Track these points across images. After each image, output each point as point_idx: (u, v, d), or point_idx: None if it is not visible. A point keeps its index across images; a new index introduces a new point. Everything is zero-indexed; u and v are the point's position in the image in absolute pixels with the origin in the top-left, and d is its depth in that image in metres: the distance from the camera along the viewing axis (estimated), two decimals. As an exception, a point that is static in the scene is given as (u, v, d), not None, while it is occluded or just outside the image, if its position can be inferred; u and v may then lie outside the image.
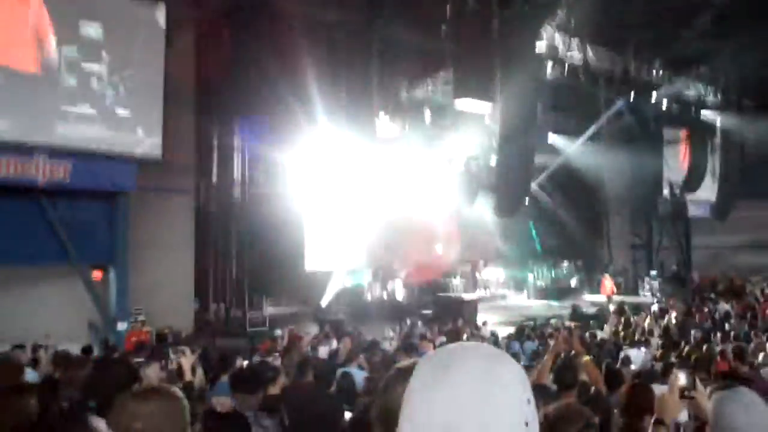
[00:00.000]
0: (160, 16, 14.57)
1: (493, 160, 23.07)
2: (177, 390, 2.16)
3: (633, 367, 8.32)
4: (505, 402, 0.97)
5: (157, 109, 14.37)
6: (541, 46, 18.19)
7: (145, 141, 14.23)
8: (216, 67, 17.97)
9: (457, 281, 24.42)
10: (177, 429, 1.98)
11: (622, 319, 14.15)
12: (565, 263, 26.98)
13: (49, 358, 7.74)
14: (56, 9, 13.13)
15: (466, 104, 17.26)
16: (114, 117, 13.87)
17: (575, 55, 19.13)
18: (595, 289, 24.56)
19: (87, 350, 9.29)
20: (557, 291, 25.06)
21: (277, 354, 9.20)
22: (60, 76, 13.19)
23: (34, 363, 7.82)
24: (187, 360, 3.78)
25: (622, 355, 8.90)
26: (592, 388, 4.57)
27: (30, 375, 5.74)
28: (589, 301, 22.55)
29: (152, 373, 4.57)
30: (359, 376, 6.62)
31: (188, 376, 4.31)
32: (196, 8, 16.10)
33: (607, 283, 23.59)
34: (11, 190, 12.74)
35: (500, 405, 0.97)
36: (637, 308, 17.49)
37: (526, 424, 0.98)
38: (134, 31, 14.20)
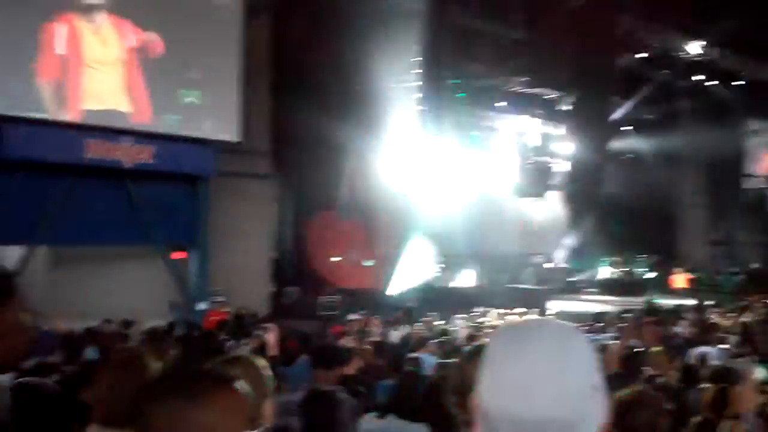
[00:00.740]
0: (239, 2, 14.98)
1: (566, 150, 22.80)
2: (261, 360, 2.31)
3: (711, 363, 8.14)
4: (575, 367, 1.09)
5: (235, 95, 14.80)
6: (618, 34, 17.80)
7: (224, 126, 14.71)
8: (293, 51, 18.28)
9: (527, 272, 24.20)
10: (260, 396, 2.11)
11: (699, 316, 13.78)
12: (640, 257, 26.35)
13: (138, 334, 8.19)
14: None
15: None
16: (194, 102, 14.40)
17: (655, 43, 18.61)
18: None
19: (171, 328, 9.75)
20: (631, 285, 24.50)
21: (349, 338, 9.42)
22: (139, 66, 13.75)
23: (125, 338, 8.27)
24: (272, 336, 3.97)
25: (698, 352, 8.71)
26: (661, 379, 4.56)
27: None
28: (664, 296, 22.00)
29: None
30: (429, 361, 6.74)
31: (273, 351, 4.52)
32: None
33: (679, 277, 22.88)
34: (99, 172, 13.30)
35: (570, 369, 1.08)
36: (716, 305, 16.95)
37: (593, 387, 1.10)
38: (211, 17, 14.64)
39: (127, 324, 9.46)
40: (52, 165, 12.55)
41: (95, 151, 12.93)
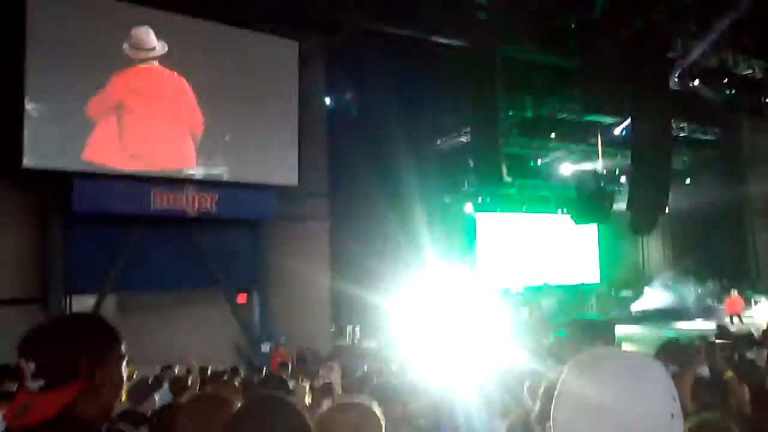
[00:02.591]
0: (294, 50, 15.45)
1: (625, 177, 22.34)
2: (375, 405, 2.27)
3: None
4: (651, 395, 1.08)
5: (293, 140, 15.21)
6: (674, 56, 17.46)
7: (283, 171, 15.07)
8: (345, 95, 18.61)
9: (592, 301, 23.64)
10: None
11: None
12: (709, 281, 25.39)
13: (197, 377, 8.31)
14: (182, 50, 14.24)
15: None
16: (254, 149, 14.82)
17: (711, 63, 18.19)
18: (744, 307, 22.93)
19: (234, 371, 9.85)
20: (701, 311, 23.63)
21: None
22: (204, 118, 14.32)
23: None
24: (336, 375, 3.99)
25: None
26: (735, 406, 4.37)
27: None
28: (738, 321, 21.11)
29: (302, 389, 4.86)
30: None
31: (338, 390, 4.53)
32: (326, 39, 16.78)
33: (735, 300, 21.82)
34: (164, 220, 13.79)
35: (646, 397, 1.07)
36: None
37: (672, 416, 1.08)
38: (270, 67, 15.16)
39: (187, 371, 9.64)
40: (120, 216, 13.08)
41: (162, 201, 13.40)
